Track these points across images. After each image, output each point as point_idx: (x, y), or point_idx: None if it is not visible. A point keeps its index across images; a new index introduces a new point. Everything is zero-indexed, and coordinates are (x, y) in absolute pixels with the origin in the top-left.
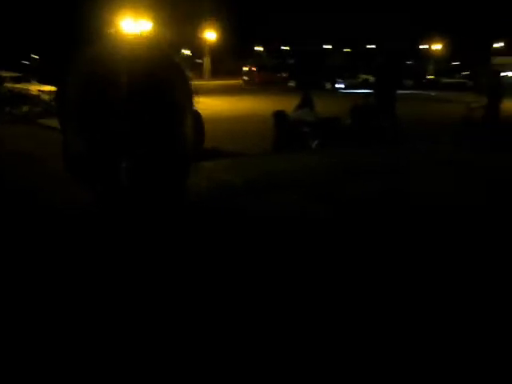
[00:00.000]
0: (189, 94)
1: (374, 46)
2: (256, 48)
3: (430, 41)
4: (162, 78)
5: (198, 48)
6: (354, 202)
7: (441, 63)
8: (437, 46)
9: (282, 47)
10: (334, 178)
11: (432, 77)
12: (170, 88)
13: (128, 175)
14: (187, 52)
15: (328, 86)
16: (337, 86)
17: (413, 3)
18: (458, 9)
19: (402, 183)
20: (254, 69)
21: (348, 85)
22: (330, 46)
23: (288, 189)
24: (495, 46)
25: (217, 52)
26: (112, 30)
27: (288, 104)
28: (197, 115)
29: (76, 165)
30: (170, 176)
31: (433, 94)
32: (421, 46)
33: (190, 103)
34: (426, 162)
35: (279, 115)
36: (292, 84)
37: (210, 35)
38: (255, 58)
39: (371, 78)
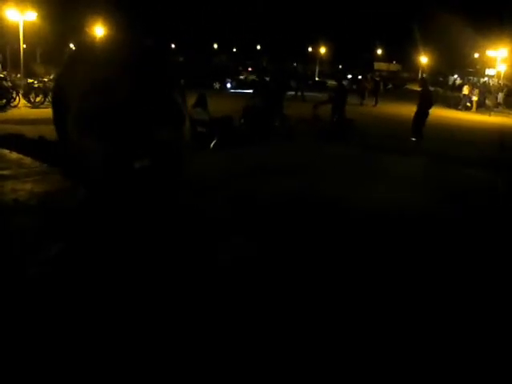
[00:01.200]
0: (184, 95)
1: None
2: None
3: (316, 44)
4: (158, 78)
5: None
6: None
7: (327, 66)
8: (322, 50)
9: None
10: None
11: (318, 79)
12: (168, 88)
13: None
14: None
15: (216, 85)
16: (226, 85)
17: (300, 8)
18: (342, 14)
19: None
20: None
21: (236, 85)
22: (216, 46)
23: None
24: (378, 52)
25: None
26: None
27: None
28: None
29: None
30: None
31: (319, 95)
32: (308, 49)
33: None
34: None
35: None
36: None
37: (99, 30)
38: None
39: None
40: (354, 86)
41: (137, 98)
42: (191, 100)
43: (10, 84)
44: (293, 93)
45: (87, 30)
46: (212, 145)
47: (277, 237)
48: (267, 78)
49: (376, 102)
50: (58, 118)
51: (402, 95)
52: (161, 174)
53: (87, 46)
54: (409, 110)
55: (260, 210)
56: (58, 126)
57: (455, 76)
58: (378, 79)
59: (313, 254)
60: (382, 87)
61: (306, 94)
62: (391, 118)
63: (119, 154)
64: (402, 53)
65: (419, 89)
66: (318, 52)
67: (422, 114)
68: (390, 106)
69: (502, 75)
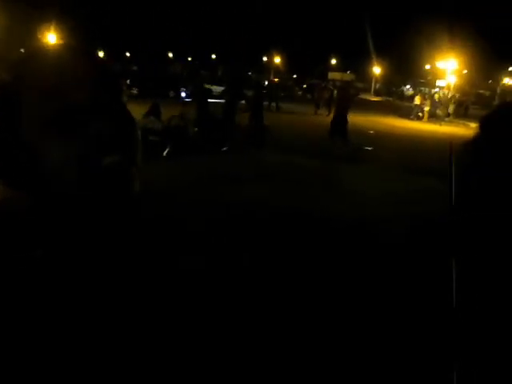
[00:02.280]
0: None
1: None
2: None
3: (270, 53)
4: (111, 84)
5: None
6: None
7: (281, 76)
8: (276, 59)
9: (127, 53)
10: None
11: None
12: (119, 95)
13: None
14: None
15: (172, 94)
16: (180, 94)
17: (253, 18)
18: (295, 24)
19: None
20: None
21: (191, 94)
22: (171, 55)
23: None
24: (332, 61)
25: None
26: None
27: (132, 112)
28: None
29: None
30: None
31: (273, 104)
32: (263, 58)
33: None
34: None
35: None
36: (135, 91)
37: (51, 37)
38: None
39: (216, 88)
40: (309, 96)
41: (91, 101)
42: (145, 109)
43: None
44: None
45: (39, 36)
46: (165, 153)
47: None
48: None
49: (329, 112)
50: (3, 122)
51: (357, 104)
52: (123, 169)
53: (37, 52)
54: (362, 118)
55: (214, 221)
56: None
57: (407, 86)
58: (332, 88)
59: (265, 259)
60: (335, 96)
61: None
62: None
63: (91, 152)
64: (356, 63)
65: (374, 99)
66: (273, 61)
67: (340, 117)
68: None
69: (451, 86)
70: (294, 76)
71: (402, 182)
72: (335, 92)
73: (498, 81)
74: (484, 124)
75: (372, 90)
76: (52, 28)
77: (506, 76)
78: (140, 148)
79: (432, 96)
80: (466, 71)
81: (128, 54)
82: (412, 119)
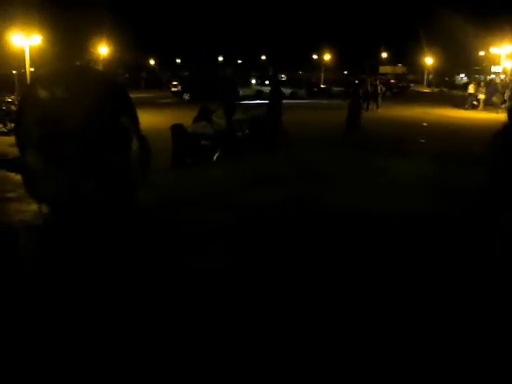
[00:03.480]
0: (135, 119)
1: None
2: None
3: (320, 51)
4: (109, 105)
5: (91, 62)
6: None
7: (331, 72)
8: (327, 56)
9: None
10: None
11: (323, 86)
12: (117, 114)
13: (83, 194)
14: None
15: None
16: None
17: (303, 15)
18: (345, 21)
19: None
20: None
21: (242, 95)
22: (221, 58)
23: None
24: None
25: (110, 66)
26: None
27: (184, 117)
28: (143, 139)
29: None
30: (118, 193)
31: (325, 102)
32: (313, 56)
33: (137, 128)
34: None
35: (177, 129)
36: (187, 97)
37: (103, 49)
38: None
39: (265, 89)
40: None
41: (85, 127)
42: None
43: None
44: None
45: (91, 49)
46: (215, 157)
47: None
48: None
49: (377, 106)
50: (20, 142)
51: (409, 96)
52: (108, 194)
53: (45, 75)
54: (415, 110)
55: (268, 223)
56: (21, 151)
57: (461, 75)
58: (376, 83)
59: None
60: (381, 90)
61: (313, 101)
62: (394, 120)
63: (67, 177)
64: (407, 55)
65: (427, 90)
66: (323, 59)
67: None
68: (394, 109)
69: (508, 71)
70: (345, 72)
71: (456, 175)
72: (379, 87)
73: None
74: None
75: (424, 81)
76: (104, 40)
77: None
78: (146, 161)
79: (487, 83)
80: None
81: (178, 61)
82: (467, 109)
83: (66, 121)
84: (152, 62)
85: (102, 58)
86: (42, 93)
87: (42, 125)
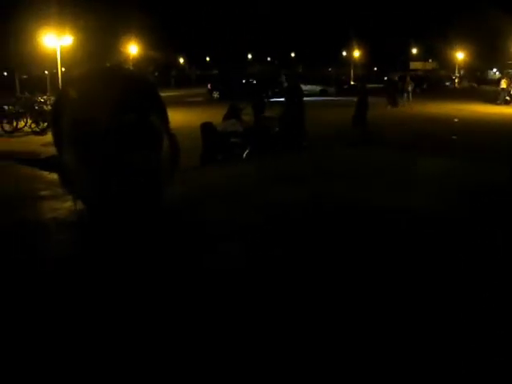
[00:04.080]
0: (165, 118)
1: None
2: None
3: (349, 47)
4: (139, 104)
5: (122, 62)
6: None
7: (361, 69)
8: (356, 53)
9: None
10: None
11: (353, 83)
12: (147, 113)
13: (115, 192)
14: None
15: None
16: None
17: (332, 10)
18: (375, 16)
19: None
20: None
21: (271, 93)
22: (250, 56)
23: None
24: (413, 51)
25: (140, 65)
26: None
27: (214, 115)
28: (173, 138)
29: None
30: (148, 192)
31: (355, 99)
32: (342, 53)
33: (167, 127)
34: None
35: (206, 127)
36: (216, 95)
37: (133, 48)
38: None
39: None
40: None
41: (116, 126)
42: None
43: (50, 107)
44: None
45: (122, 49)
46: (245, 155)
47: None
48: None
49: (394, 104)
50: (56, 142)
51: (440, 92)
52: (138, 194)
53: (78, 76)
54: (446, 106)
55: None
56: (58, 150)
57: (494, 70)
58: (395, 79)
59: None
60: (411, 87)
61: (343, 98)
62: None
63: (97, 176)
64: (437, 50)
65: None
66: (352, 55)
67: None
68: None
69: None
70: (375, 69)
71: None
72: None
73: None
74: None
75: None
76: (133, 39)
77: None
78: (175, 160)
79: None
80: None
81: (208, 59)
82: (499, 104)
83: (98, 121)
84: (181, 60)
85: (131, 57)
86: (75, 93)
87: (75, 125)
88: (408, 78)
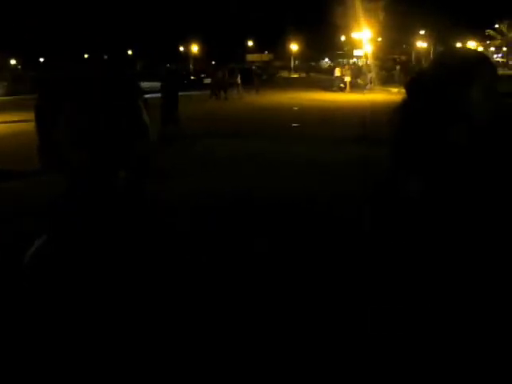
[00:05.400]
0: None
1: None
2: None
3: (187, 43)
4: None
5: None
6: None
7: (200, 63)
8: (194, 48)
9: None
10: None
11: (194, 77)
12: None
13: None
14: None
15: None
16: None
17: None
18: (209, 10)
19: None
20: None
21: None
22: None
23: None
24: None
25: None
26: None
27: None
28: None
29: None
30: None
31: (198, 93)
32: (180, 49)
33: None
34: None
35: None
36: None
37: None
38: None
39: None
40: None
41: (111, 115)
42: None
43: None
44: None
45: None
46: None
47: None
48: None
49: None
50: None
51: (277, 83)
52: (135, 181)
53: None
54: (285, 96)
55: None
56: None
57: (326, 59)
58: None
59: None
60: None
61: (201, 92)
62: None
63: (105, 167)
64: (273, 42)
65: (295, 75)
66: (190, 50)
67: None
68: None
69: (368, 55)
70: (213, 62)
71: (336, 152)
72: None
73: (411, 45)
74: (409, 89)
75: (292, 67)
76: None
77: (418, 40)
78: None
79: (351, 66)
80: (380, 39)
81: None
82: (335, 91)
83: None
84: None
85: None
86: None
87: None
88: (237, 71)
